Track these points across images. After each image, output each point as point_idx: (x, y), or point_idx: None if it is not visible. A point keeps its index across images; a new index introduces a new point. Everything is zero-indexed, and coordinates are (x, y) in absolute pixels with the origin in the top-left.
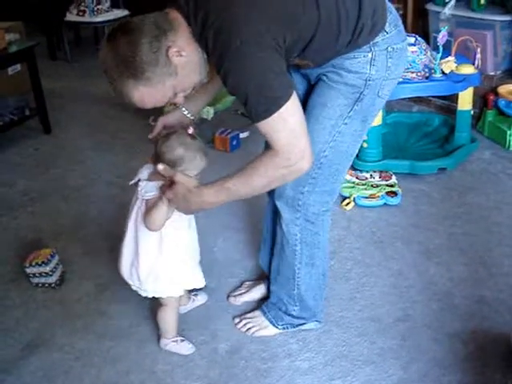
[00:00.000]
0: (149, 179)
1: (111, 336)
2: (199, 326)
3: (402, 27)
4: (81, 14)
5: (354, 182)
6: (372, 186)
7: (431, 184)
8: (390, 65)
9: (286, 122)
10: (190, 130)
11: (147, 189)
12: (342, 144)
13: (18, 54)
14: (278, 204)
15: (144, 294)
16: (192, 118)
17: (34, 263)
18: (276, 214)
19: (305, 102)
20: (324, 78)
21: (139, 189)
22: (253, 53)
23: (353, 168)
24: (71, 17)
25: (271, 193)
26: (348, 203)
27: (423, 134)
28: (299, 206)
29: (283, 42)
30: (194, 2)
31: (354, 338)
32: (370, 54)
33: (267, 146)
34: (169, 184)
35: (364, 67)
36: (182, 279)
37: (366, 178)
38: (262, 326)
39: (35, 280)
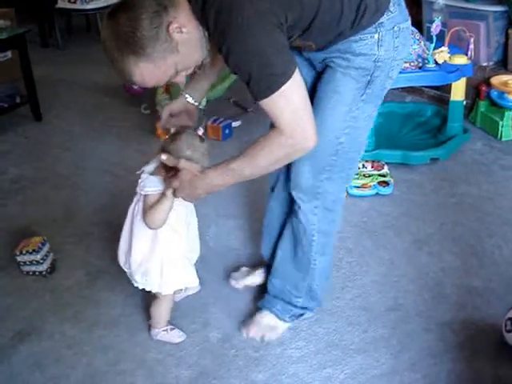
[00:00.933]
0: (153, 173)
1: (102, 324)
2: (191, 314)
3: (404, 5)
4: (72, 0)
5: None
6: (364, 175)
7: (423, 174)
8: (397, 45)
9: (289, 100)
10: (200, 132)
11: (146, 183)
12: (357, 130)
13: (8, 40)
14: (296, 194)
15: (135, 285)
16: (196, 104)
17: (24, 251)
18: (287, 205)
19: (313, 91)
20: (331, 64)
21: (139, 181)
22: (254, 30)
23: None
24: (63, 4)
25: (283, 187)
26: None
27: (416, 125)
28: (319, 193)
29: (285, 20)
30: None
31: (346, 327)
32: (376, 35)
33: (271, 126)
34: (171, 176)
35: (372, 48)
36: (173, 279)
37: (359, 168)
38: (271, 328)
39: (26, 268)
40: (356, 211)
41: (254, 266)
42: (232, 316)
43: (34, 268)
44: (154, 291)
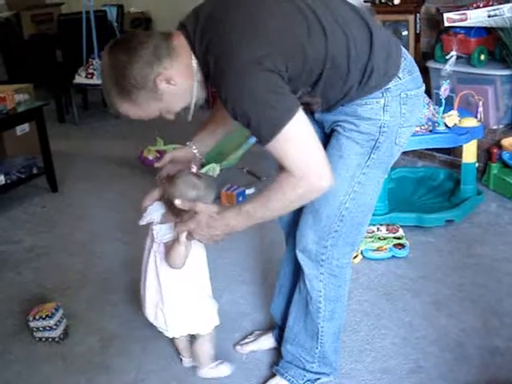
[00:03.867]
0: (162, 221)
1: None
2: (207, 380)
3: (417, 73)
4: (89, 76)
5: None
6: (379, 238)
7: (439, 236)
8: (404, 111)
9: (293, 143)
10: (194, 169)
11: (164, 232)
12: (364, 195)
13: (26, 113)
14: (301, 258)
15: (171, 335)
16: (200, 157)
17: (37, 317)
18: (297, 265)
19: None
20: (338, 128)
21: (154, 233)
22: (251, 75)
23: None
24: (80, 79)
25: (293, 244)
26: (356, 256)
27: (429, 188)
28: (323, 260)
29: (285, 69)
30: (201, 30)
31: None
32: (382, 100)
33: (281, 168)
34: (181, 220)
35: (377, 113)
36: (210, 313)
37: (373, 232)
38: None
39: (39, 334)
40: (372, 274)
41: (267, 329)
42: (248, 381)
43: (46, 334)
44: (194, 333)
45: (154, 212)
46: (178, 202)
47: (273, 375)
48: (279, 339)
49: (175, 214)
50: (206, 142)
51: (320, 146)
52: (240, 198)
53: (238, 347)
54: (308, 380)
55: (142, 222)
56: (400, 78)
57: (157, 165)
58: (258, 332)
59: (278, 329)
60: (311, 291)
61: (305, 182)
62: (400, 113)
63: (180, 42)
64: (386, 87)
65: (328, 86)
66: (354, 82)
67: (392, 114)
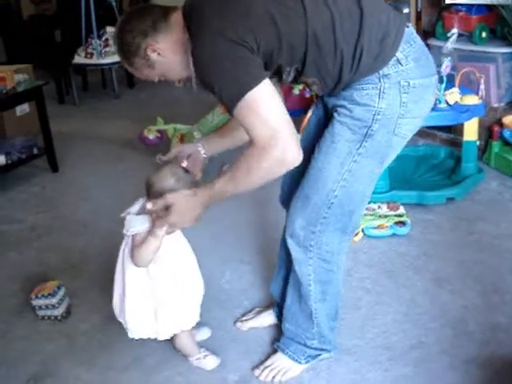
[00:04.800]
0: (139, 212)
1: (117, 368)
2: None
3: (425, 62)
4: (89, 56)
5: None
6: (380, 216)
7: (440, 214)
8: (405, 101)
9: (256, 112)
10: (184, 164)
11: (132, 224)
12: (355, 184)
13: (26, 93)
14: (290, 243)
15: (130, 335)
16: (204, 156)
17: (40, 295)
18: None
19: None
20: (335, 112)
21: (125, 223)
22: (214, 45)
23: None
24: (79, 59)
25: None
26: (356, 234)
27: (430, 166)
28: (311, 246)
29: (254, 41)
30: (190, 6)
31: (367, 366)
32: (379, 86)
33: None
34: (157, 217)
35: (373, 99)
36: (169, 322)
37: (374, 209)
38: (285, 369)
39: (41, 312)
40: (373, 252)
41: (266, 307)
42: (249, 357)
43: (49, 312)
44: (161, 338)
45: (136, 205)
46: (149, 205)
47: (274, 351)
48: (279, 316)
49: (149, 196)
50: (215, 144)
51: (288, 120)
52: None
53: (239, 324)
54: (309, 356)
55: (122, 214)
56: (401, 65)
57: (164, 158)
58: (258, 309)
59: (278, 306)
60: (301, 275)
61: (268, 154)
62: (400, 102)
63: (177, 18)
64: (385, 73)
65: (320, 66)
66: (345, 64)
67: (389, 102)
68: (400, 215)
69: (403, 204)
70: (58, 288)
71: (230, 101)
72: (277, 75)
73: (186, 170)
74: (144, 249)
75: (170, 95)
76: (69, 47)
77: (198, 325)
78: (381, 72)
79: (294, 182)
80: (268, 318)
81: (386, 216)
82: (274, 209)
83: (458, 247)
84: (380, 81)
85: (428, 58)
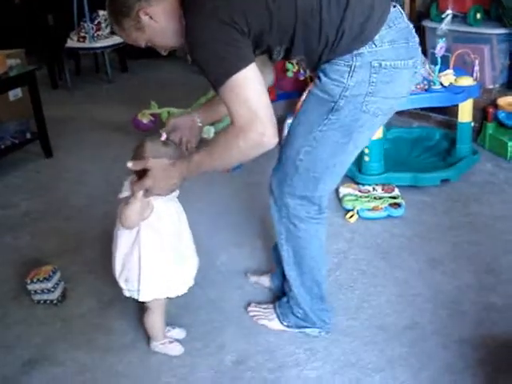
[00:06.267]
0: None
1: (115, 351)
2: (205, 337)
3: (402, 45)
4: (81, 40)
5: (356, 195)
6: (375, 198)
7: (434, 195)
8: (374, 80)
9: (239, 94)
10: (163, 137)
11: (123, 189)
12: (319, 152)
13: (18, 77)
14: (269, 198)
15: (124, 294)
16: (200, 124)
17: (35, 279)
18: None
19: None
20: (313, 82)
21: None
22: (204, 24)
23: (355, 182)
24: (72, 43)
25: None
26: (352, 216)
27: (424, 148)
28: (283, 205)
29: (245, 23)
30: None
31: (362, 347)
32: (350, 63)
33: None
34: (138, 179)
35: (342, 76)
36: (152, 285)
37: (369, 191)
38: (267, 318)
39: (37, 297)
40: (368, 233)
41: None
42: (246, 338)
43: (45, 297)
44: (140, 299)
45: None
46: (129, 164)
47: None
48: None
49: (139, 175)
50: (212, 114)
51: (268, 104)
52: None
53: (248, 274)
54: (293, 324)
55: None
56: (375, 45)
57: (163, 138)
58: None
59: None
60: (277, 233)
61: (245, 135)
62: (368, 81)
63: None
64: (359, 52)
65: (306, 45)
66: (328, 44)
67: (357, 80)
68: (395, 197)
69: (398, 186)
70: (53, 272)
71: (216, 80)
72: (267, 53)
73: (165, 143)
74: (126, 208)
75: (163, 79)
76: (61, 31)
77: (174, 324)
78: (355, 51)
79: None
80: (266, 281)
81: (380, 198)
82: None
83: (452, 228)
84: (353, 59)
85: (408, 41)
